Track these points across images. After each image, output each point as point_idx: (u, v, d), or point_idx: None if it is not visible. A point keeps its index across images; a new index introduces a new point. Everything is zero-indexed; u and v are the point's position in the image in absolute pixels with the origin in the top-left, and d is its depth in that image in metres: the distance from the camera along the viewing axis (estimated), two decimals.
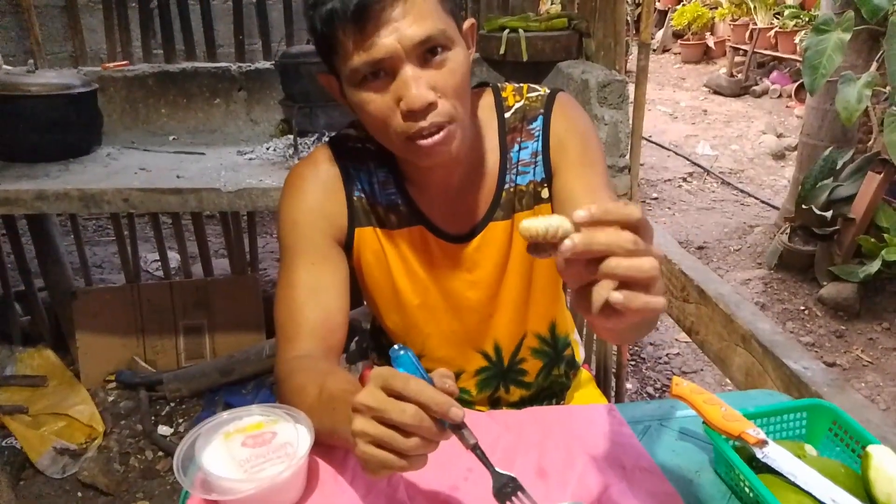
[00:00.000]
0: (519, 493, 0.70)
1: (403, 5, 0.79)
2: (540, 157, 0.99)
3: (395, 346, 0.68)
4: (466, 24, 0.89)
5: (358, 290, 1.05)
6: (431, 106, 0.81)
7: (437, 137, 0.83)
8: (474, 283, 1.02)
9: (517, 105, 1.00)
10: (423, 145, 0.84)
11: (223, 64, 2.34)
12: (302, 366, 0.88)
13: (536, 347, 1.11)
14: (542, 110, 0.99)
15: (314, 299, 0.93)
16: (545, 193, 1.00)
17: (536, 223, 0.55)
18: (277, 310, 0.95)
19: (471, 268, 1.01)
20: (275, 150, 2.08)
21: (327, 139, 1.04)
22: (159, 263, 2.77)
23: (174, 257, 2.89)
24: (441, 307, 1.03)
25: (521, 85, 1.02)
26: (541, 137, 0.99)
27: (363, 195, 0.99)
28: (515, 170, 0.99)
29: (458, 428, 0.65)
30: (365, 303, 1.17)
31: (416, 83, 0.80)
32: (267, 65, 2.33)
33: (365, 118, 0.87)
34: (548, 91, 1.00)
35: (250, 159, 2.03)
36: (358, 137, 1.00)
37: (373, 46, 0.79)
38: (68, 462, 2.12)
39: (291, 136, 2.07)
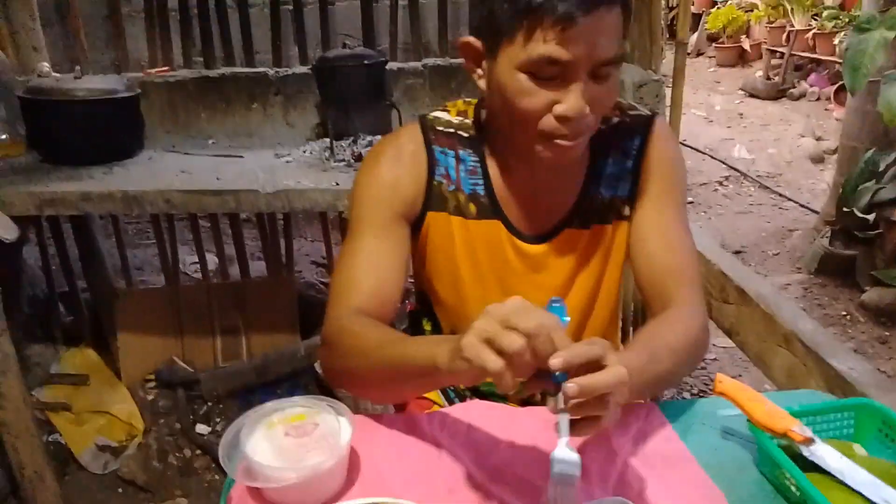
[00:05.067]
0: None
1: (606, 18, 0.79)
2: (629, 177, 1.00)
3: (552, 298, 0.72)
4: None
5: None
6: (585, 118, 0.83)
7: (574, 142, 0.86)
8: (539, 285, 1.02)
9: (615, 119, 1.00)
10: (561, 144, 0.85)
11: (261, 69, 2.38)
12: (353, 320, 0.89)
13: None
14: (640, 131, 1.00)
15: (373, 269, 0.94)
16: (626, 211, 1.01)
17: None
18: (335, 274, 0.97)
19: (539, 270, 1.01)
20: (311, 152, 2.11)
21: (418, 118, 1.03)
22: (198, 265, 2.82)
23: (212, 259, 2.94)
24: (498, 301, 1.02)
25: (620, 99, 1.02)
26: (634, 158, 1.00)
27: (444, 180, 0.99)
28: (603, 182, 1.00)
29: (550, 379, 0.68)
30: (413, 288, 1.17)
31: (583, 95, 0.82)
32: (303, 69, 2.36)
33: (507, 101, 0.86)
34: (648, 113, 1.01)
35: (287, 161, 2.06)
36: (450, 123, 1.00)
37: (565, 48, 0.79)
38: (109, 458, 2.17)
39: (327, 139, 2.09)
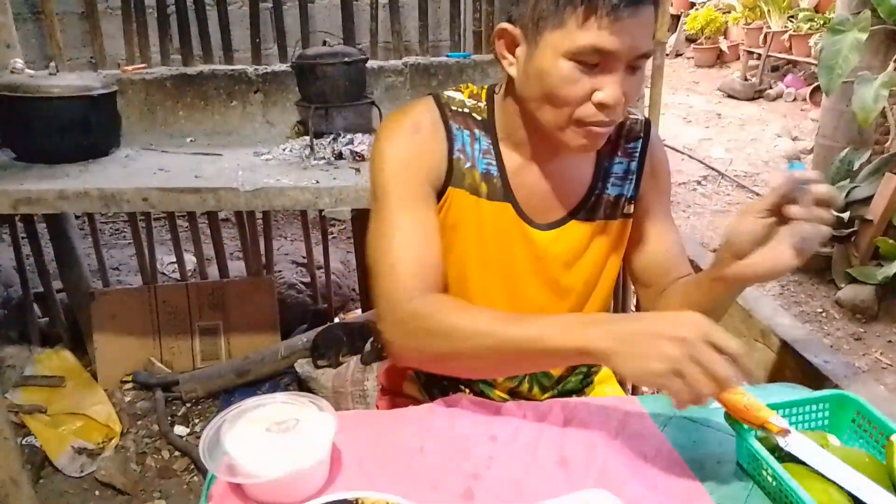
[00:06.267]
0: None
1: (647, 12, 0.85)
2: (633, 177, 1.06)
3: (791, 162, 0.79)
4: None
5: None
6: (621, 106, 0.88)
7: (604, 130, 0.90)
8: (539, 272, 1.03)
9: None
10: (595, 131, 0.90)
11: (240, 66, 2.36)
12: (436, 299, 0.89)
13: None
14: (641, 134, 1.06)
15: (414, 248, 0.92)
16: (629, 210, 1.07)
17: None
18: (376, 259, 0.93)
19: (542, 257, 1.03)
20: (291, 150, 2.10)
21: (429, 94, 1.02)
22: (175, 265, 2.79)
23: (190, 259, 2.91)
24: (498, 285, 1.03)
25: None
26: (637, 159, 1.06)
27: (462, 156, 0.99)
28: (610, 180, 1.05)
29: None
30: None
31: (621, 84, 0.86)
32: (283, 67, 2.35)
33: (548, 87, 0.88)
34: (645, 118, 1.08)
35: (267, 160, 2.04)
36: (464, 103, 1.01)
37: (616, 38, 0.82)
38: (86, 461, 2.14)
39: (307, 138, 2.08)
